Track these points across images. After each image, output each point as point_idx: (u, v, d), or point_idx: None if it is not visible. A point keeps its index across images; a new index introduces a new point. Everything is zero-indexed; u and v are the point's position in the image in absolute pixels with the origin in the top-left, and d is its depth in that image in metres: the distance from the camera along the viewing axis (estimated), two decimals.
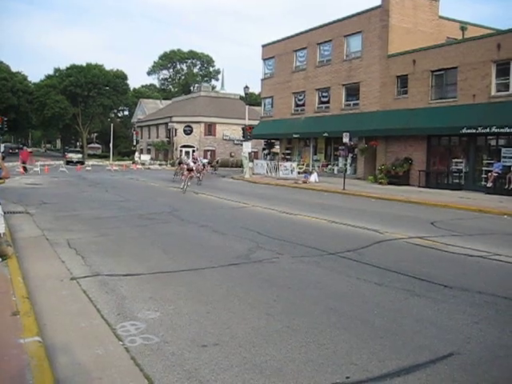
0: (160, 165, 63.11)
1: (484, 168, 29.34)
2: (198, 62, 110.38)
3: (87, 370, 4.97)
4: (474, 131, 28.48)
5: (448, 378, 4.92)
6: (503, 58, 28.35)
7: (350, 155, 38.12)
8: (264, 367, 5.04)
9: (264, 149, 53.77)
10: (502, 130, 27.20)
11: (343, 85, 40.05)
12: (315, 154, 43.88)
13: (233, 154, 64.09)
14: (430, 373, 5.01)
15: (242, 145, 45.84)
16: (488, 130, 27.70)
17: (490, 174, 27.93)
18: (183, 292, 7.62)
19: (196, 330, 6.05)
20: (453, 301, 7.50)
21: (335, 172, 40.25)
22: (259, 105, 55.89)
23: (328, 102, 41.72)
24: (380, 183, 33.07)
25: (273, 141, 51.74)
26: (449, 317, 6.79)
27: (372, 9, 37.41)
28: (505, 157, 27.96)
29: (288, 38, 46.63)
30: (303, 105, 44.60)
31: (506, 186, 26.07)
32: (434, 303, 7.36)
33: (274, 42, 48.73)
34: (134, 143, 74.62)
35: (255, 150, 59.03)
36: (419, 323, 6.48)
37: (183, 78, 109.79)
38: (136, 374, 4.91)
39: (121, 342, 5.62)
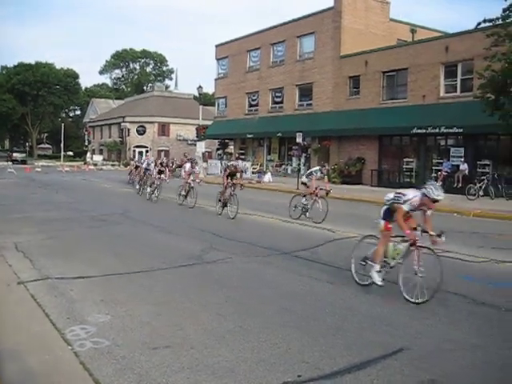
0: (113, 165, 62.12)
1: (434, 167, 30.00)
2: (151, 62, 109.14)
3: (35, 377, 4.83)
4: (424, 131, 29.09)
5: (397, 372, 4.99)
6: (451, 60, 29.06)
7: (304, 155, 38.32)
8: (216, 368, 4.99)
9: (218, 149, 53.65)
10: (450, 130, 27.86)
11: (297, 85, 40.31)
12: (269, 154, 44.02)
13: (187, 155, 63.39)
14: (380, 368, 5.07)
15: (195, 145, 45.57)
16: (437, 130, 28.33)
17: (439, 173, 28.54)
18: (135, 294, 7.49)
19: (147, 332, 5.95)
20: (402, 297, 7.60)
21: (289, 172, 40.46)
22: (213, 105, 55.73)
23: (282, 102, 41.93)
24: (333, 182, 33.34)
25: (227, 141, 51.68)
26: (398, 313, 6.91)
27: (325, 10, 37.77)
28: (453, 156, 28.65)
29: (242, 38, 46.65)
30: (257, 105, 44.70)
31: (455, 185, 26.69)
32: (383, 300, 7.46)
33: (227, 42, 48.66)
34: (86, 143, 73.18)
35: (209, 150, 58.81)
36: (370, 320, 6.56)
37: (136, 77, 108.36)
38: (85, 378, 4.78)
39: (70, 347, 5.45)
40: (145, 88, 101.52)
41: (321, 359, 5.23)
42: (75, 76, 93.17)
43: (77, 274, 8.47)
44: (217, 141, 53.86)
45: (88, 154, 69.47)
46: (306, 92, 39.65)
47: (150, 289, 7.80)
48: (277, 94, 42.59)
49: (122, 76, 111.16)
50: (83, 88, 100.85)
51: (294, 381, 4.73)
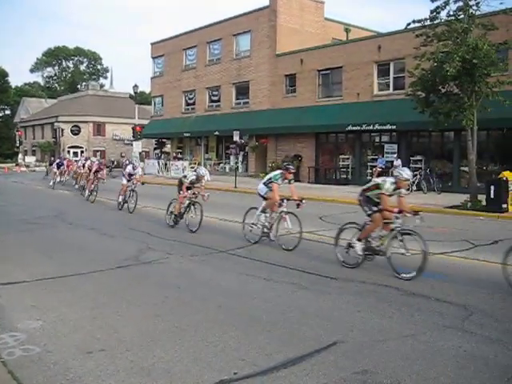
0: (46, 167, 60.32)
1: (369, 163, 30.68)
2: (85, 60, 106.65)
3: None
4: (359, 128, 29.69)
5: (332, 365, 5.04)
6: (383, 58, 29.80)
7: (242, 153, 38.44)
8: (151, 369, 4.90)
9: (155, 148, 53.04)
10: (384, 127, 28.56)
11: (233, 83, 40.33)
12: (207, 153, 43.87)
13: (123, 154, 62.33)
14: (315, 362, 5.11)
15: (132, 145, 44.87)
16: (372, 127, 28.98)
17: (374, 169, 29.19)
18: (68, 298, 7.28)
19: (81, 336, 5.78)
20: (338, 291, 7.76)
21: (227, 170, 40.44)
22: (150, 104, 55.04)
23: (219, 100, 41.87)
24: None
25: (164, 140, 51.16)
26: (333, 307, 7.00)
27: (260, 9, 37.96)
28: (387, 152, 29.40)
29: (177, 36, 46.30)
30: (194, 103, 44.47)
31: None
32: (319, 295, 7.56)
33: (163, 40, 48.18)
34: (18, 144, 70.79)
35: (146, 150, 58.06)
36: (305, 315, 6.60)
37: (70, 75, 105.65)
38: None
39: None
40: (79, 87, 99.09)
41: (257, 356, 5.22)
42: (4, 74, 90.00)
43: (6, 280, 8.14)
44: (154, 140, 53.25)
45: (20, 156, 67.24)
46: (242, 90, 39.73)
47: (85, 292, 7.60)
48: (214, 93, 42.50)
49: (55, 74, 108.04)
50: (13, 87, 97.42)
51: (231, 378, 4.70)
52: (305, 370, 4.90)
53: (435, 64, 19.54)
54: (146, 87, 70.23)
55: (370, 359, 5.19)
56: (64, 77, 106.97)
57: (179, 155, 45.77)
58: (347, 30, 39.22)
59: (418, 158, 28.12)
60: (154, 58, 49.78)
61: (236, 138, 30.82)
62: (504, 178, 18.22)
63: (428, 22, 20.16)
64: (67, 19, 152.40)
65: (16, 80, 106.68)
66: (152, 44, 49.92)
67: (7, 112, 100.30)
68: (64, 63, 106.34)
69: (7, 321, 6.28)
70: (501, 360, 5.20)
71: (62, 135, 64.68)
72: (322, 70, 33.76)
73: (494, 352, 5.39)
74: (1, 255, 10.22)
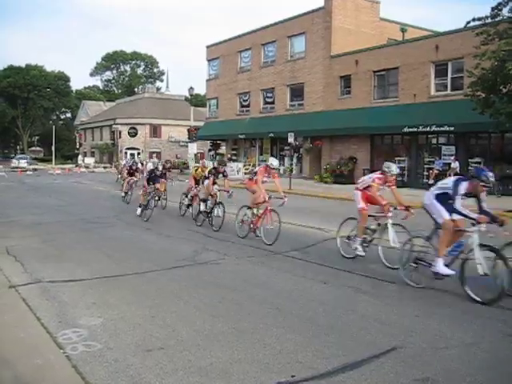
0: (105, 168, 61.93)
1: (425, 166, 30.10)
2: (142, 63, 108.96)
3: (26, 382, 4.76)
4: (416, 130, 29.17)
5: (391, 371, 4.97)
6: (441, 59, 29.17)
7: (296, 155, 38.38)
8: (209, 370, 4.96)
9: (210, 150, 53.56)
10: (441, 129, 27.95)
11: (288, 85, 40.33)
12: (261, 155, 43.95)
13: (179, 156, 63.48)
14: (374, 367, 5.05)
15: (187, 146, 45.45)
16: (428, 128, 28.40)
17: (431, 171, 28.66)
18: (127, 296, 7.45)
19: (140, 334, 5.90)
20: (396, 296, 7.64)
21: (281, 172, 40.41)
22: (204, 106, 55.66)
23: (273, 102, 41.94)
24: (325, 182, 33.44)
25: (219, 142, 51.59)
26: (392, 312, 6.90)
27: (315, 10, 37.81)
28: (445, 154, 28.77)
29: (232, 38, 46.64)
30: (248, 105, 44.68)
31: None
32: (377, 299, 7.46)
33: (218, 43, 48.65)
34: (78, 146, 72.97)
35: (201, 152, 58.72)
36: (363, 319, 6.54)
37: (127, 79, 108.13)
38: (78, 382, 4.73)
39: (62, 351, 5.39)
40: (136, 90, 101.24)
41: (314, 359, 5.21)
42: (66, 79, 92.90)
43: (68, 278, 8.41)
44: (209, 142, 53.78)
45: (80, 157, 69.26)
46: (297, 92, 39.67)
47: (143, 291, 7.75)
48: (268, 95, 42.60)
49: (113, 78, 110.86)
50: (74, 90, 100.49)
51: (288, 381, 4.71)
52: (363, 376, 4.85)
53: (496, 63, 19.02)
54: (201, 89, 71.17)
55: (431, 366, 5.09)
56: (122, 80, 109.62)
57: (234, 157, 46.08)
58: (403, 30, 38.57)
59: (477, 160, 27.36)
60: (209, 60, 50.31)
61: (290, 139, 30.79)
62: None
63: (489, 20, 19.66)
64: (125, 25, 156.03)
65: (76, 84, 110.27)
66: (207, 47, 50.48)
67: (68, 115, 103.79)
68: (122, 67, 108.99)
69: (70, 317, 6.48)
70: None
71: (120, 137, 66.23)
72: (378, 71, 33.35)
73: None
74: (63, 254, 10.53)
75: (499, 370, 5.05)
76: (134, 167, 22.78)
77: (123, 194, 21.64)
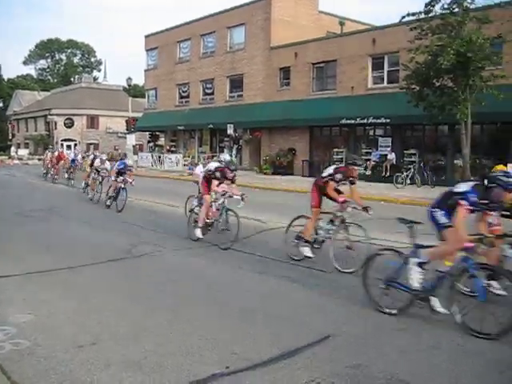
0: (39, 159, 59.99)
1: (363, 157, 30.65)
2: (78, 52, 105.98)
3: None
4: (353, 122, 29.61)
5: (325, 359, 5.02)
6: (378, 52, 29.72)
7: (235, 146, 38.35)
8: (143, 363, 4.87)
9: (149, 141, 52.86)
10: (378, 121, 28.49)
11: (227, 76, 40.16)
12: (200, 146, 43.66)
13: (117, 148, 62.39)
14: (308, 356, 5.09)
15: (126, 138, 44.66)
16: (366, 120, 28.90)
17: (368, 162, 29.25)
18: (61, 292, 7.23)
19: (73, 330, 5.73)
20: (331, 285, 7.73)
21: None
22: (143, 96, 54.79)
23: (212, 93, 41.71)
24: (265, 173, 33.56)
25: (158, 133, 50.95)
26: (327, 301, 6.98)
27: (254, 1, 37.68)
28: (381, 146, 29.36)
29: (171, 28, 46.00)
30: (187, 96, 44.28)
31: (383, 174, 27.40)
32: (312, 289, 7.54)
33: (157, 33, 47.88)
34: (10, 137, 70.37)
35: (140, 143, 57.86)
36: (298, 309, 6.60)
37: (63, 68, 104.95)
38: (3, 382, 4.53)
39: None
40: (72, 80, 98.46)
41: (249, 350, 5.20)
42: None
43: None
44: (147, 133, 53.04)
45: (13, 148, 66.87)
46: (236, 83, 39.57)
47: (77, 285, 7.56)
48: (207, 86, 42.32)
49: (48, 67, 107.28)
50: (6, 79, 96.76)
51: (223, 372, 4.68)
52: (297, 364, 4.88)
53: (429, 57, 19.57)
54: (139, 80, 69.91)
55: (364, 353, 5.18)
56: (57, 69, 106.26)
57: (173, 148, 45.64)
58: (342, 23, 39.05)
59: (412, 151, 28.06)
60: (147, 50, 49.48)
61: (230, 131, 30.78)
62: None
63: (422, 16, 20.17)
64: (60, 12, 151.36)
65: (8, 72, 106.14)
66: (146, 36, 49.63)
67: (0, 105, 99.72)
68: (57, 56, 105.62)
69: None
70: (494, 354, 5.19)
71: (56, 128, 64.32)
72: (317, 63, 33.66)
73: (488, 346, 5.37)
74: None
75: (429, 354, 5.17)
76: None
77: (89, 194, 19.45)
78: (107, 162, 19.54)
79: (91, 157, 22.37)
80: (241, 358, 4.98)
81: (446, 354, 5.21)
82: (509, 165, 19.22)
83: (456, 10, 19.81)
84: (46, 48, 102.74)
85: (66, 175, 27.19)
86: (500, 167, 18.48)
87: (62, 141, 64.65)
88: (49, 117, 64.99)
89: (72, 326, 5.85)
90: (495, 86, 19.49)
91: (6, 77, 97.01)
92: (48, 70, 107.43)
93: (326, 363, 4.91)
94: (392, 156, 27.66)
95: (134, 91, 58.36)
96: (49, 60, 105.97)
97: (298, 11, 37.32)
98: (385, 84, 29.72)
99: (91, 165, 20.43)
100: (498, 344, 5.41)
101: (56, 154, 30.74)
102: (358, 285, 7.62)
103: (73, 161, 28.22)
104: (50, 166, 29.98)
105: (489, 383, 4.61)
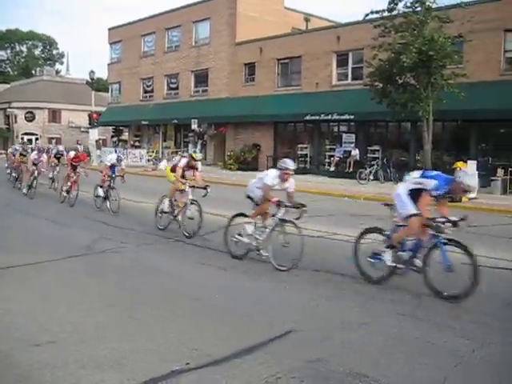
0: None
1: (327, 153, 30.90)
2: (40, 44, 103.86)
3: None
4: (318, 118, 29.80)
5: (285, 354, 5.02)
6: (342, 49, 29.94)
7: (200, 142, 38.18)
8: (102, 361, 4.79)
9: (113, 136, 52.21)
10: (342, 117, 28.74)
11: (192, 71, 39.95)
12: (165, 141, 43.34)
13: (80, 142, 61.47)
14: (269, 351, 5.10)
15: (88, 132, 44.00)
16: (330, 116, 29.09)
17: (332, 158, 29.49)
18: (18, 289, 7.06)
19: (30, 328, 5.60)
20: (293, 280, 7.76)
21: None
22: (107, 90, 54.08)
23: (177, 88, 41.44)
24: (230, 169, 33.50)
25: (121, 128, 50.39)
26: (288, 296, 7.03)
27: None
28: (345, 142, 29.63)
29: (136, 21, 45.51)
30: (152, 91, 43.90)
31: (347, 170, 27.66)
32: (275, 284, 7.57)
33: (120, 26, 47.31)
34: None
35: (103, 138, 57.04)
36: (260, 304, 6.61)
37: (23, 60, 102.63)
38: None
39: None
40: (33, 72, 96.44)
41: (211, 346, 5.17)
42: None
43: None
44: (111, 128, 52.39)
45: None
46: (201, 78, 39.40)
47: (35, 282, 7.41)
48: (172, 80, 42.03)
49: (7, 58, 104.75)
50: None
51: (182, 369, 4.63)
52: (258, 359, 4.88)
53: (392, 55, 19.80)
54: (103, 73, 68.92)
55: (324, 348, 5.21)
56: (17, 61, 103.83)
57: (137, 143, 45.17)
58: (307, 20, 39.20)
59: (376, 147, 28.41)
60: (111, 43, 48.84)
61: (194, 126, 30.64)
62: (457, 169, 18.58)
63: (386, 14, 20.38)
64: (20, 2, 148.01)
65: None
66: (109, 29, 48.95)
67: None
68: (17, 47, 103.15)
69: None
70: (450, 345, 5.30)
71: (16, 122, 62.98)
72: (282, 59, 33.75)
73: (445, 338, 5.47)
74: None
75: (391, 347, 5.24)
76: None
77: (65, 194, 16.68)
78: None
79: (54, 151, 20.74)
80: (202, 354, 4.95)
81: (403, 345, 5.30)
82: (468, 161, 19.68)
83: (418, 8, 20.07)
84: (5, 39, 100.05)
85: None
86: (460, 164, 18.96)
87: (22, 134, 63.35)
88: (8, 110, 63.56)
89: (30, 325, 5.73)
90: (456, 85, 19.84)
91: None
92: (7, 61, 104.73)
93: (287, 358, 4.91)
94: (356, 152, 27.93)
95: (98, 85, 57.57)
96: (8, 51, 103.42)
97: (264, 7, 37.29)
98: (349, 81, 29.97)
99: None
100: (454, 336, 5.53)
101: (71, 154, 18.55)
102: (320, 280, 7.72)
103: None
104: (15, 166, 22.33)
105: (445, 375, 4.68)
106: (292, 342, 5.34)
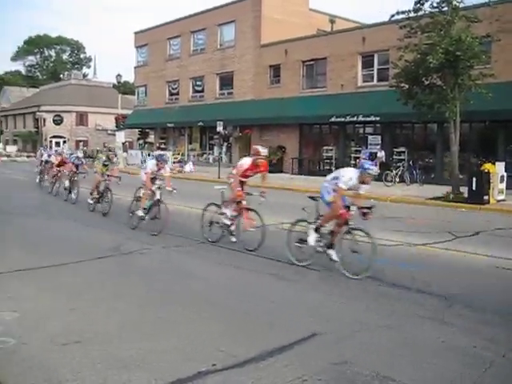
0: (28, 157, 59.62)
1: (352, 155, 30.72)
2: (68, 49, 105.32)
3: None
4: (343, 120, 29.66)
5: (311, 356, 5.02)
6: (368, 50, 29.77)
7: (225, 144, 38.30)
8: (129, 361, 4.83)
9: (139, 139, 52.65)
10: (368, 119, 28.56)
11: (217, 74, 40.12)
12: (190, 144, 43.63)
13: (106, 145, 62.11)
14: (294, 353, 5.09)
15: (115, 135, 44.47)
16: (355, 118, 28.96)
17: (358, 160, 29.26)
18: (46, 289, 7.18)
19: (58, 328, 5.68)
20: (317, 283, 7.76)
21: (211, 161, 40.26)
22: (133, 93, 54.60)
23: (202, 90, 41.65)
24: None
25: (147, 130, 50.79)
26: (313, 298, 7.00)
27: None
28: (371, 144, 29.44)
29: (161, 25, 45.88)
30: (177, 94, 44.19)
31: None
32: (299, 286, 7.55)
33: (146, 30, 47.78)
34: None
35: (130, 140, 57.61)
36: (285, 306, 6.60)
37: (52, 64, 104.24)
38: None
39: None
40: (61, 76, 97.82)
41: (236, 347, 5.18)
42: None
43: None
44: (137, 130, 52.83)
45: (0, 145, 66.42)
46: (226, 81, 39.53)
47: (64, 283, 7.51)
48: (197, 83, 42.25)
49: (37, 63, 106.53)
50: None
51: (209, 370, 4.65)
52: (283, 362, 4.87)
53: (418, 56, 19.56)
54: (129, 77, 69.60)
55: (349, 350, 5.18)
56: (46, 66, 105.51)
57: (162, 146, 45.48)
58: (332, 21, 39.06)
59: (401, 149, 28.19)
60: (137, 47, 49.32)
61: (219, 128, 30.68)
62: (485, 171, 18.33)
63: (412, 14, 20.17)
64: (49, 8, 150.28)
65: None
66: (135, 33, 49.43)
67: None
68: (46, 52, 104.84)
69: None
70: (478, 351, 5.22)
71: (44, 125, 63.98)
72: (307, 61, 33.68)
73: (473, 343, 5.40)
74: None
75: (417, 351, 5.19)
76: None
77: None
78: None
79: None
80: (227, 356, 4.96)
81: (429, 349, 5.24)
82: (496, 163, 19.39)
83: (445, 8, 19.83)
84: (35, 44, 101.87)
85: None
86: (488, 166, 18.68)
87: (50, 137, 64.32)
88: (38, 113, 64.58)
89: (58, 324, 5.80)
90: (484, 85, 19.55)
91: None
92: (37, 66, 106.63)
93: (312, 361, 4.90)
94: (381, 154, 27.69)
95: (124, 88, 58.14)
96: (37, 56, 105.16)
97: (289, 9, 37.26)
98: (374, 82, 29.79)
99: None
100: (482, 341, 5.44)
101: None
102: (343, 282, 7.68)
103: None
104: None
105: (472, 380, 4.62)
106: (316, 344, 5.33)
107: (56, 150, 27.30)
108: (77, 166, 18.28)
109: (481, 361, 4.99)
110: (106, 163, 15.53)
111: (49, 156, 23.23)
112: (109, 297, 6.87)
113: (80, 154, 19.79)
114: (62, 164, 19.45)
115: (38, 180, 24.00)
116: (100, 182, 15.14)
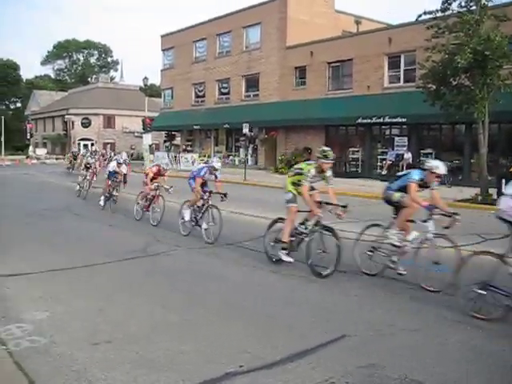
0: (57, 159, 60.50)
1: (379, 156, 30.52)
2: (96, 52, 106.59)
3: None
4: (369, 121, 29.49)
5: (338, 359, 5.02)
6: (394, 51, 29.55)
7: (251, 146, 38.36)
8: (157, 361, 4.90)
9: (165, 141, 53.05)
10: (394, 120, 28.36)
11: (243, 76, 40.22)
12: (216, 146, 43.80)
13: (133, 147, 62.65)
14: (321, 355, 5.09)
15: (142, 137, 44.87)
16: (382, 119, 28.77)
17: (384, 161, 29.10)
18: (76, 289, 7.31)
19: (88, 328, 5.78)
20: (346, 285, 7.71)
21: (236, 163, 40.36)
22: (160, 96, 55.01)
23: (228, 93, 41.78)
24: (281, 173, 33.45)
25: (174, 133, 51.15)
26: (340, 300, 7.01)
27: (270, 0, 37.69)
28: (398, 145, 29.20)
29: (187, 28, 46.14)
30: (203, 96, 44.40)
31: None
32: (327, 288, 7.53)
33: (173, 33, 48.06)
34: (28, 137, 70.96)
35: (156, 142, 58.06)
36: (312, 308, 6.60)
37: (80, 68, 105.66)
38: (19, 378, 4.58)
39: (4, 347, 5.22)
40: (89, 79, 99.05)
41: (263, 349, 5.21)
42: (15, 67, 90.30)
43: (12, 271, 8.13)
44: (164, 132, 53.25)
45: (30, 148, 67.46)
46: (252, 83, 39.61)
47: (92, 283, 7.63)
48: (223, 85, 42.41)
49: (66, 67, 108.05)
50: (24, 79, 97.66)
51: (236, 371, 4.68)
52: (311, 364, 4.87)
53: (446, 56, 19.35)
54: (156, 79, 70.12)
55: (377, 353, 5.16)
56: (74, 69, 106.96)
57: (189, 148, 45.76)
58: (358, 22, 38.88)
59: (429, 151, 27.88)
60: (163, 50, 49.70)
61: (245, 130, 30.74)
62: None
63: (439, 14, 19.97)
64: (74, 13, 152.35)
65: (27, 73, 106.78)
66: (162, 36, 49.83)
67: (18, 105, 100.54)
68: (74, 56, 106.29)
69: (14, 312, 6.29)
70: (508, 355, 5.15)
71: (73, 128, 64.81)
72: (332, 63, 33.56)
73: (502, 347, 5.33)
74: (5, 247, 10.14)
75: (446, 355, 5.14)
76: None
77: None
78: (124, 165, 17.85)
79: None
80: (254, 357, 4.99)
81: (458, 353, 5.19)
82: None
83: (473, 7, 19.58)
84: (64, 48, 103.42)
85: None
86: None
87: (79, 140, 65.16)
88: (66, 116, 65.46)
89: (87, 324, 5.90)
90: None
91: (24, 77, 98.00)
92: (65, 70, 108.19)
93: (339, 363, 4.90)
94: (408, 155, 27.44)
95: (151, 91, 58.54)
96: (66, 60, 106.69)
97: (314, 10, 37.21)
98: (401, 83, 29.55)
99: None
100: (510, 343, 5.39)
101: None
102: (371, 284, 7.63)
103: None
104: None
105: (500, 382, 4.56)
106: (344, 347, 5.32)
107: (121, 157, 18.73)
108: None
109: (508, 364, 4.93)
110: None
111: (119, 164, 17.00)
112: (136, 297, 6.96)
113: (125, 157, 18.72)
114: (156, 177, 13.89)
115: (77, 188, 20.14)
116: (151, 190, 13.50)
